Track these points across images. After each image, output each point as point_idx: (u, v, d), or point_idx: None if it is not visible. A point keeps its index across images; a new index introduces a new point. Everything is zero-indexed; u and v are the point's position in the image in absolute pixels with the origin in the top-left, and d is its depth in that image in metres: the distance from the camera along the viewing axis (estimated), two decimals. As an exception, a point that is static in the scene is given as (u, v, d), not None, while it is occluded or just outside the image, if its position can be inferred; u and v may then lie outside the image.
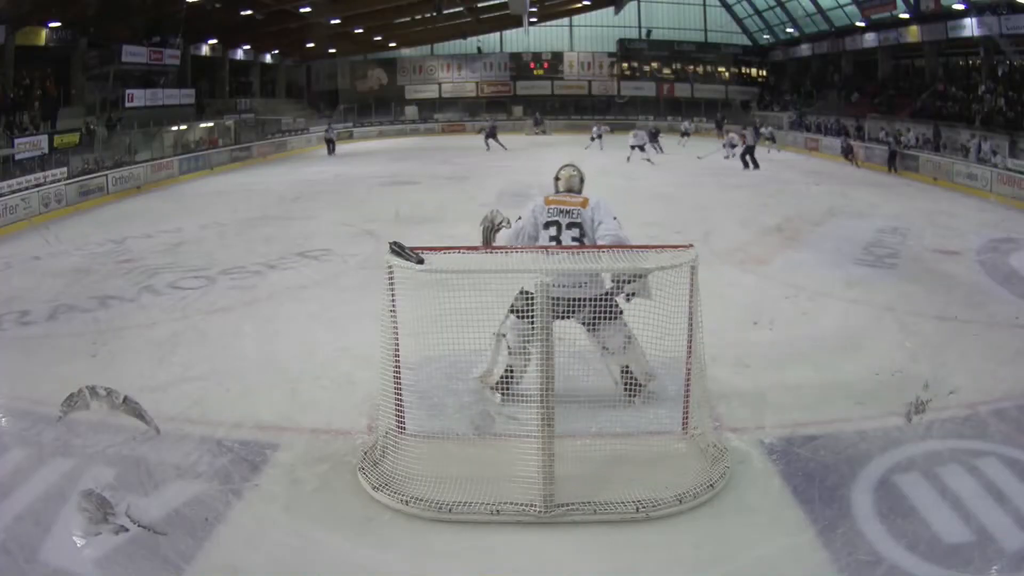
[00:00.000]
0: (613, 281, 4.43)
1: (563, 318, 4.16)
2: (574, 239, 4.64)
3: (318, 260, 9.44)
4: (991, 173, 15.86)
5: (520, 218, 4.82)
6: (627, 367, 4.63)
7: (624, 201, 13.47)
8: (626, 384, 4.64)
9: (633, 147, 22.61)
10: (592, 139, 26.50)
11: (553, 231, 4.67)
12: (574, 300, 4.29)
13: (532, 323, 3.81)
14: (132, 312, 7.30)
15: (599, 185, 15.96)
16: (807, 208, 13.27)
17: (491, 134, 27.07)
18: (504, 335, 4.55)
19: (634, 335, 4.53)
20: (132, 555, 3.40)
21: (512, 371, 4.55)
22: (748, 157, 20.12)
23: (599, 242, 4.50)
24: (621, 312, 4.47)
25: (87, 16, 21.47)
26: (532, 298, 3.79)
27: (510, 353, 4.55)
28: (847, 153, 22.27)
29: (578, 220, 4.67)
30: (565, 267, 4.00)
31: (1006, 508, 3.67)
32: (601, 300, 4.37)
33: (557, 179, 5.03)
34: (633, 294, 4.42)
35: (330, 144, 28.06)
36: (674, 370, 4.37)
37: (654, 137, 24.73)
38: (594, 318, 4.40)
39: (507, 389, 4.51)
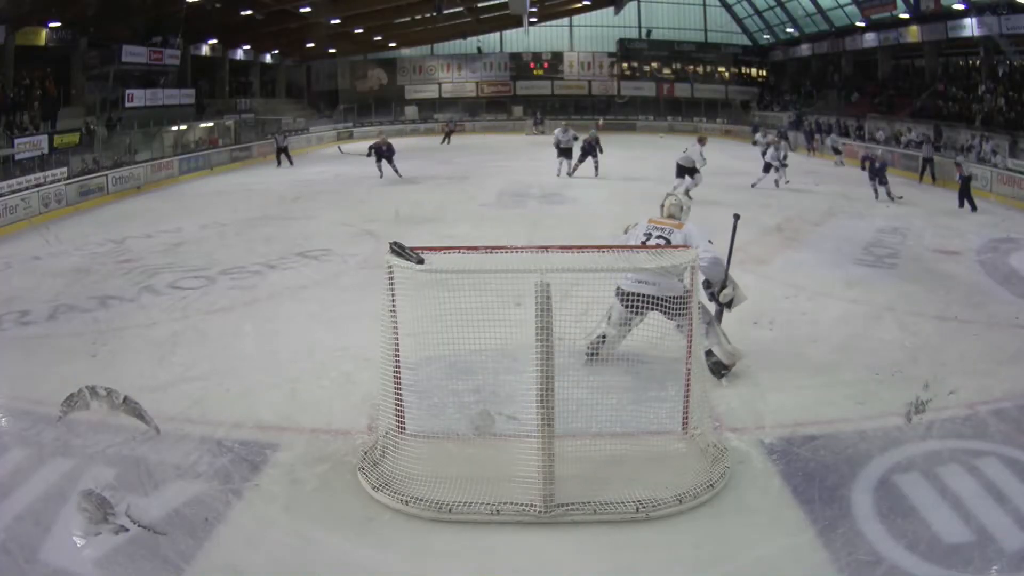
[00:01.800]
0: (707, 292, 5.18)
1: (639, 312, 4.89)
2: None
3: (318, 260, 9.44)
4: (991, 173, 15.85)
5: (626, 231, 5.61)
6: (709, 351, 5.09)
7: (623, 202, 13.48)
8: (711, 365, 5.12)
9: (561, 153, 17.85)
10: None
11: (644, 240, 5.32)
12: (648, 297, 4.88)
13: (632, 311, 4.88)
14: (132, 312, 7.30)
15: (599, 185, 15.78)
16: (807, 208, 13.27)
17: (386, 154, 17.64)
18: (611, 314, 5.26)
19: (715, 321, 5.18)
20: (132, 555, 3.40)
21: (605, 337, 5.21)
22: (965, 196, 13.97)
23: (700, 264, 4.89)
24: (697, 307, 4.65)
25: (87, 16, 21.45)
26: (629, 294, 4.89)
27: (608, 324, 5.23)
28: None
29: (667, 236, 5.26)
30: (566, 266, 4.00)
31: (1006, 508, 3.67)
32: (673, 300, 4.68)
33: (662, 206, 5.65)
34: (731, 301, 5.28)
35: (282, 154, 22.66)
36: (674, 370, 4.37)
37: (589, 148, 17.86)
38: (668, 312, 4.80)
39: (596, 352, 5.11)
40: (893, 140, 22.28)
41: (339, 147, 18.22)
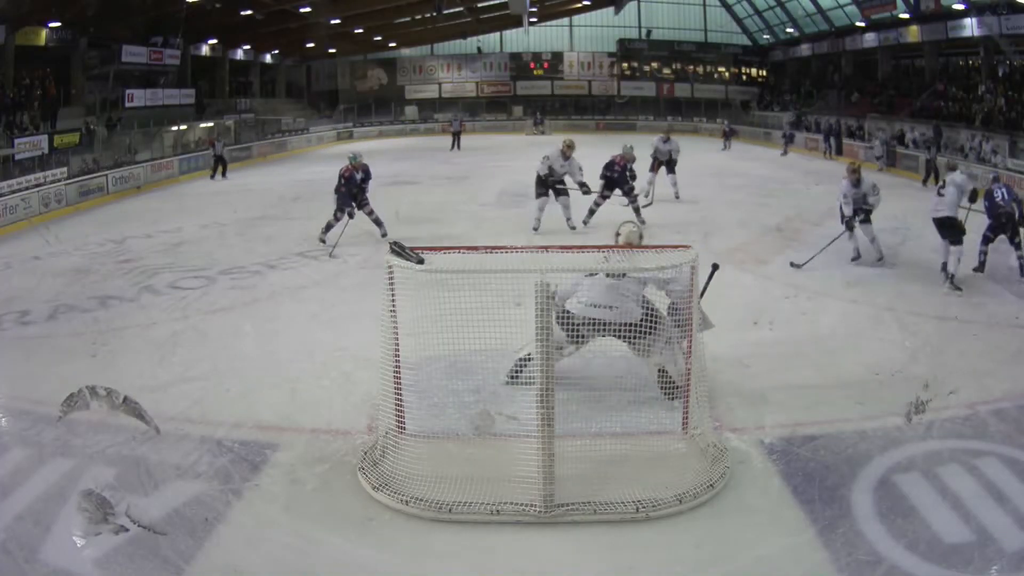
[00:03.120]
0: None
1: (584, 338, 4.74)
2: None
3: (318, 260, 9.44)
4: (991, 173, 15.84)
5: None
6: (663, 369, 4.78)
7: (623, 203, 13.45)
8: (662, 384, 4.79)
9: (547, 184, 10.46)
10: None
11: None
12: (601, 323, 4.67)
13: (575, 336, 4.68)
14: (132, 312, 7.30)
15: (599, 185, 15.80)
16: (807, 208, 13.25)
17: (357, 191, 10.48)
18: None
19: (674, 339, 4.69)
20: (132, 555, 3.40)
21: (529, 359, 4.64)
22: None
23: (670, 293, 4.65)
24: (657, 326, 4.59)
25: (87, 16, 21.46)
26: (579, 318, 4.60)
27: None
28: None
29: None
30: (567, 266, 4.01)
31: (1006, 508, 3.67)
32: (631, 327, 4.55)
33: (617, 234, 5.20)
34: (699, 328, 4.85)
35: (218, 162, 19.87)
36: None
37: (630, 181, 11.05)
38: (625, 338, 4.63)
39: (517, 375, 4.80)
40: (934, 148, 21.70)
41: None
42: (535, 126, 34.41)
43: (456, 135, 27.01)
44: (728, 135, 27.64)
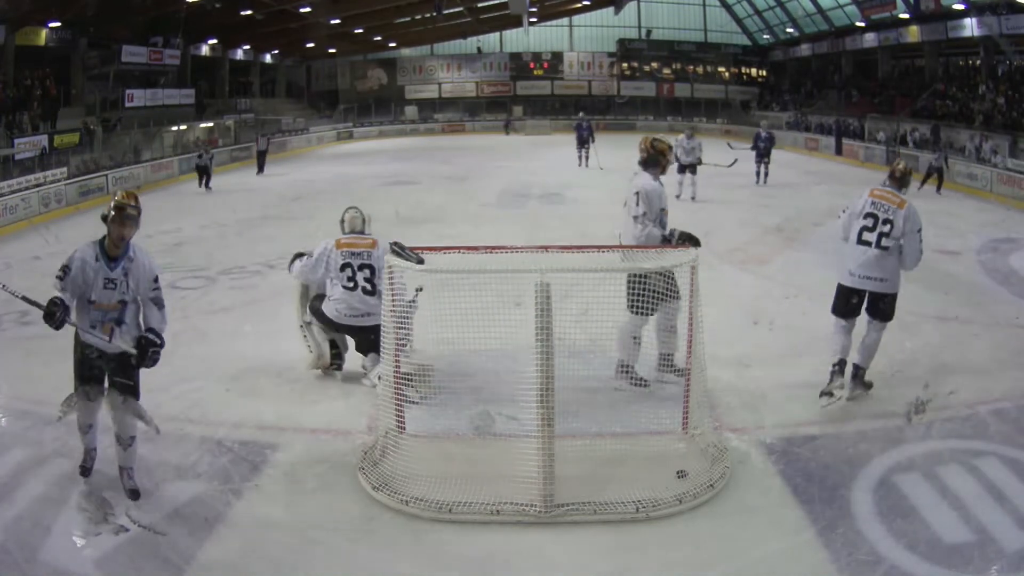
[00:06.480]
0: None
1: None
2: (366, 280, 5.15)
3: (318, 260, 9.42)
4: (991, 173, 15.85)
5: (307, 255, 5.45)
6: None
7: (623, 201, 13.45)
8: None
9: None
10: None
11: (349, 272, 5.18)
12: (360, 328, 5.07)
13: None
14: (132, 312, 7.29)
15: (599, 185, 15.85)
16: (807, 208, 13.26)
17: None
18: (309, 323, 5.39)
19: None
20: (132, 555, 3.40)
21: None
22: None
23: None
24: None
25: (87, 16, 21.48)
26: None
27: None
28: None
29: (368, 262, 5.20)
30: (566, 266, 4.00)
31: (1006, 508, 3.67)
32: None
33: (342, 221, 5.50)
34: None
35: (203, 173, 17.77)
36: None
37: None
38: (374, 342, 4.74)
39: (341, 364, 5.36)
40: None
41: None
42: (505, 128, 34.91)
43: (261, 153, 21.25)
44: (585, 138, 18.90)
